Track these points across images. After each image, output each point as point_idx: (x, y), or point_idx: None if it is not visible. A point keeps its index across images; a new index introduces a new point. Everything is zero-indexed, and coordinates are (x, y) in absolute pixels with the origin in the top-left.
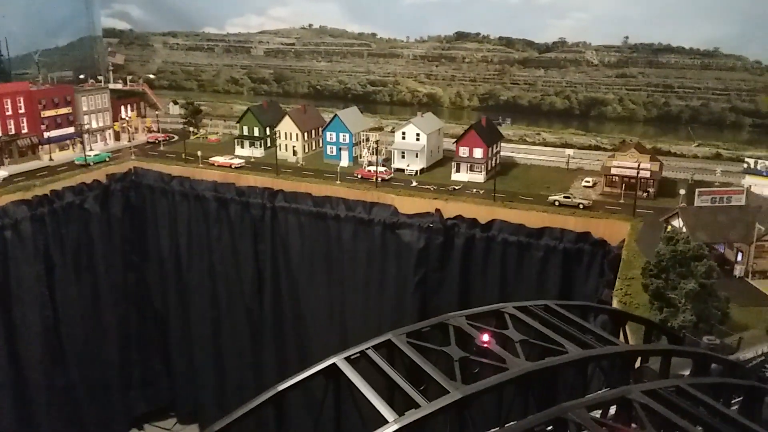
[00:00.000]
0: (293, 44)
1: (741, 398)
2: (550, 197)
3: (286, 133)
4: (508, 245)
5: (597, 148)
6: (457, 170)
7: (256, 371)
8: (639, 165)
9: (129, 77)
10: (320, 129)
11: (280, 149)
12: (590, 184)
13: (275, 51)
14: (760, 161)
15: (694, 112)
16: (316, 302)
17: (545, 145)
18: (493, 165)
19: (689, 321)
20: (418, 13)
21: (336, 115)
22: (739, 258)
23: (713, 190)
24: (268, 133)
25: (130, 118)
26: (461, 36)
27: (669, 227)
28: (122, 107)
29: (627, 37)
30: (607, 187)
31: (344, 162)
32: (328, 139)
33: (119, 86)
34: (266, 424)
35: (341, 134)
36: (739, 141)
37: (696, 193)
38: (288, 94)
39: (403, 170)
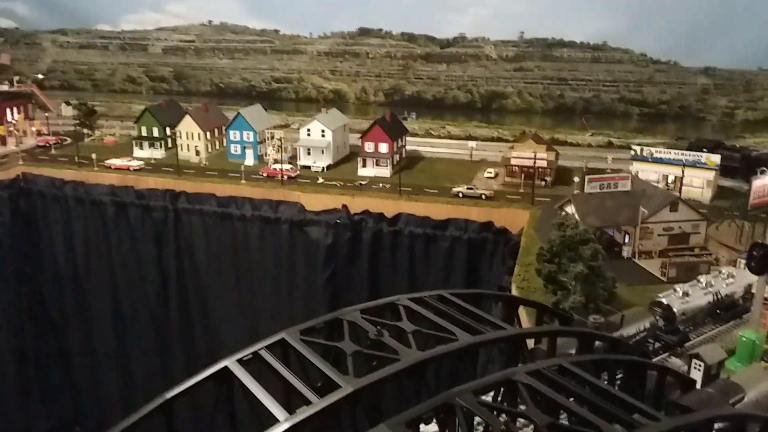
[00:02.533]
0: (193, 41)
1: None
2: (453, 189)
3: (187, 133)
4: (414, 238)
5: (499, 139)
6: (364, 165)
7: (165, 378)
8: (536, 155)
9: (16, 78)
10: (223, 128)
11: (181, 149)
12: (492, 175)
13: (174, 48)
14: (645, 148)
15: (587, 104)
16: (224, 304)
17: (450, 138)
18: (399, 159)
19: (579, 302)
20: (321, 9)
21: (239, 113)
22: (627, 240)
23: (602, 177)
24: (168, 133)
25: (16, 121)
26: (364, 32)
27: (563, 214)
28: (8, 110)
29: (523, 32)
30: (508, 177)
31: (249, 161)
32: (232, 137)
33: (5, 87)
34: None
35: (245, 132)
36: (629, 130)
37: (585, 180)
38: (189, 93)
39: (309, 167)
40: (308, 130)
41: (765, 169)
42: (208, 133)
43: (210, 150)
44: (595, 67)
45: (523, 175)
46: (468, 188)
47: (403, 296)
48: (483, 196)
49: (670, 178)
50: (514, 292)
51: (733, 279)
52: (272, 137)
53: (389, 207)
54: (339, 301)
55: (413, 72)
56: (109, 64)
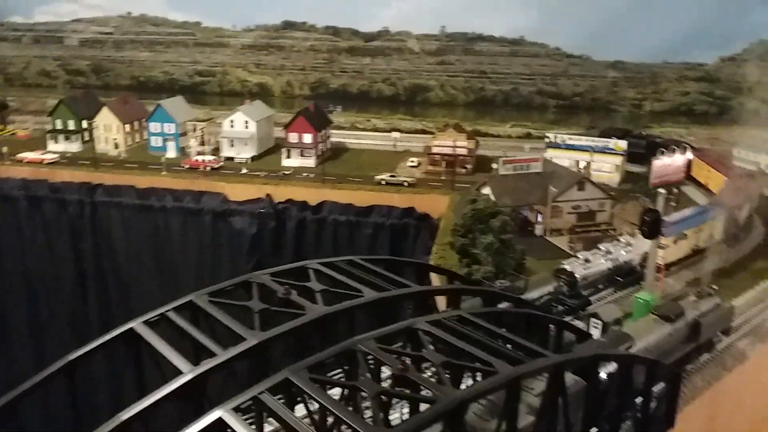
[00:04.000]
0: (111, 33)
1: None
2: (377, 177)
3: (105, 125)
4: (338, 225)
5: (423, 131)
6: (288, 156)
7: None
8: (455, 143)
9: None
10: (144, 120)
11: (99, 142)
12: (415, 164)
13: (92, 41)
14: (558, 136)
15: (507, 96)
16: (147, 298)
17: (376, 131)
18: (324, 150)
19: (489, 272)
20: (244, 2)
21: (159, 104)
22: (539, 219)
23: (514, 159)
24: (85, 126)
25: None
26: (289, 25)
27: (481, 196)
28: None
29: (444, 27)
30: (430, 165)
31: (171, 153)
32: (153, 130)
33: None
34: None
35: (166, 125)
36: (546, 121)
37: (500, 162)
38: (109, 87)
39: (233, 159)
40: (231, 121)
41: (664, 150)
42: (127, 126)
43: (130, 143)
44: (514, 60)
45: (444, 163)
46: (391, 176)
47: (313, 261)
48: (405, 184)
49: (582, 164)
50: None
51: (631, 247)
52: (194, 129)
53: (313, 195)
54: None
55: (338, 65)
56: (22, 58)
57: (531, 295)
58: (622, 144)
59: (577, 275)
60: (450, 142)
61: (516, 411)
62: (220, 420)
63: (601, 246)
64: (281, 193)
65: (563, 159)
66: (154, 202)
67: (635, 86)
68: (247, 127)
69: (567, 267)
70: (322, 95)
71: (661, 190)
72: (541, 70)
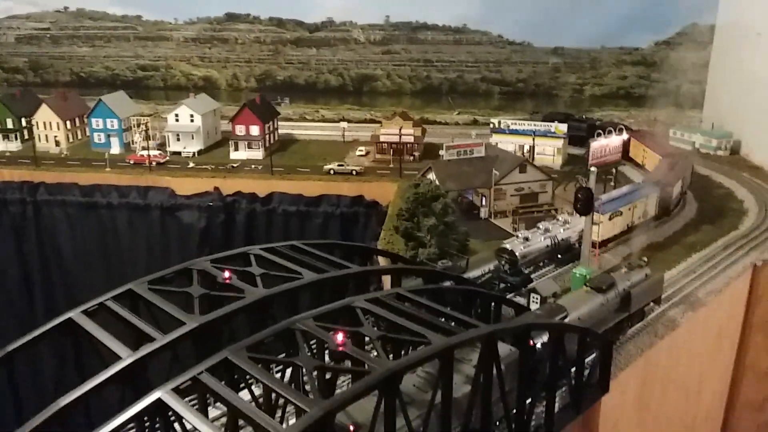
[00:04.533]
0: (48, 29)
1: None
2: (325, 167)
3: (45, 123)
4: (289, 215)
5: (372, 121)
6: (236, 149)
7: None
8: (401, 131)
9: None
10: (85, 117)
11: (39, 140)
12: (363, 153)
13: (28, 37)
14: (503, 121)
15: (452, 84)
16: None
17: (325, 121)
18: (272, 141)
19: (433, 254)
20: None
21: (100, 99)
22: (484, 202)
23: (458, 144)
24: (24, 124)
25: None
26: (232, 17)
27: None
28: None
29: (388, 16)
30: (378, 154)
31: (115, 149)
32: (95, 126)
33: None
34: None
35: (108, 120)
36: (492, 107)
37: (444, 147)
38: (48, 84)
39: (180, 153)
40: (176, 115)
41: (601, 132)
42: (68, 123)
43: (72, 140)
44: (458, 48)
45: (392, 151)
46: (339, 165)
47: (255, 246)
48: (354, 172)
49: (526, 148)
50: None
51: (569, 225)
52: (138, 124)
53: (262, 187)
54: None
55: (284, 57)
56: None
57: (473, 273)
58: (563, 128)
59: (516, 253)
60: (397, 131)
61: (450, 381)
62: (159, 401)
63: (540, 225)
64: (229, 185)
65: (508, 144)
66: (99, 198)
67: (576, 71)
68: (192, 120)
69: (508, 246)
70: (269, 87)
71: (593, 169)
72: (484, 57)
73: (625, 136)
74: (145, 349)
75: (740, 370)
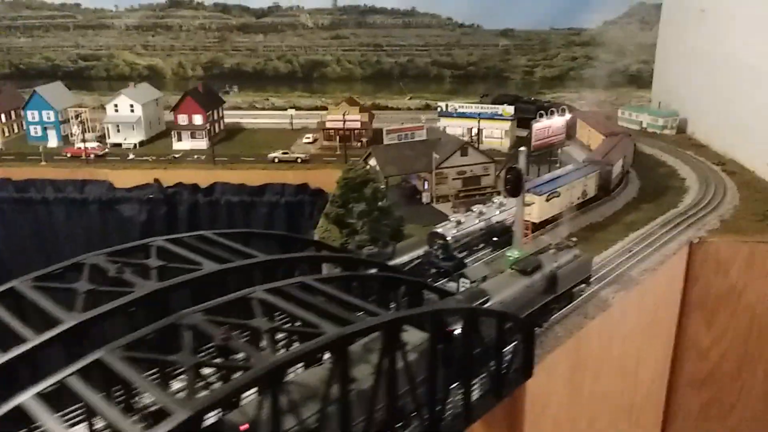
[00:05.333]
0: None
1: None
2: (269, 155)
3: None
4: (232, 206)
5: (323, 108)
6: (179, 139)
7: None
8: (344, 116)
9: None
10: (21, 109)
11: None
12: (311, 141)
13: None
14: (449, 104)
15: (403, 68)
16: None
17: (275, 109)
18: (218, 130)
19: (364, 240)
20: None
21: (35, 91)
22: (426, 186)
23: (398, 128)
24: None
25: None
26: (175, 3)
27: (366, 167)
28: None
29: (336, 0)
30: (326, 141)
31: (53, 142)
32: (30, 118)
33: None
34: None
35: (44, 112)
36: (443, 91)
37: (384, 132)
38: None
39: (120, 145)
40: (115, 105)
41: (543, 113)
42: (2, 116)
43: (7, 133)
44: (407, 32)
45: (338, 138)
46: (284, 153)
47: (158, 238)
48: (299, 160)
49: (474, 131)
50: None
51: (504, 207)
52: (77, 116)
53: (204, 177)
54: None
55: (230, 44)
56: None
57: (401, 259)
58: (510, 110)
59: (447, 238)
60: (343, 117)
61: (346, 373)
62: (17, 408)
63: (473, 208)
64: (170, 177)
65: (456, 127)
66: (33, 194)
67: (526, 53)
68: (132, 110)
69: (440, 230)
70: (217, 75)
71: (522, 149)
72: (434, 40)
73: (567, 116)
74: (16, 351)
75: (680, 349)
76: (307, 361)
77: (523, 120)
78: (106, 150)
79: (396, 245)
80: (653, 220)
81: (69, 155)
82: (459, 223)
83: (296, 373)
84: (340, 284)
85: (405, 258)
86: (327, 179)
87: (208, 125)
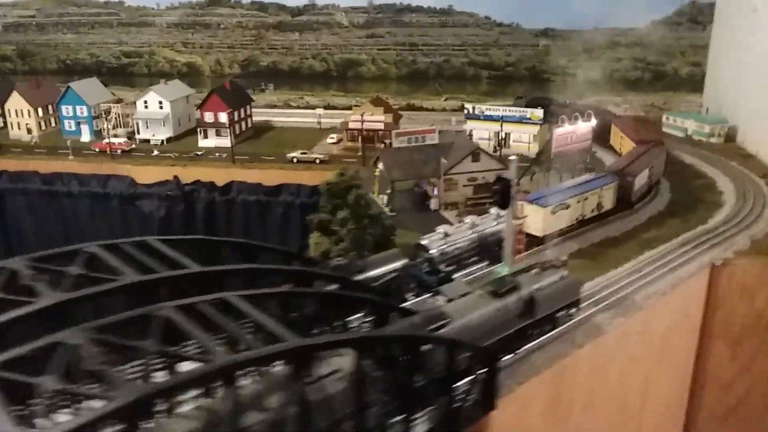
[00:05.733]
0: (34, 16)
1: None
2: (288, 155)
3: (17, 111)
4: (248, 205)
5: (357, 107)
6: (205, 136)
7: None
8: (363, 117)
9: None
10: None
11: (12, 128)
12: (335, 141)
13: (15, 25)
14: (477, 106)
15: (439, 68)
16: None
17: (309, 108)
18: (244, 128)
19: (345, 249)
20: None
21: (69, 86)
22: (435, 192)
23: (409, 131)
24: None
25: None
26: (213, 1)
27: (376, 170)
28: None
29: None
30: (349, 141)
31: (86, 136)
32: (65, 113)
33: None
34: None
35: (78, 107)
36: (480, 93)
37: (393, 135)
38: (36, 71)
39: (149, 141)
40: (145, 102)
41: (564, 118)
42: (40, 110)
43: (45, 127)
44: (444, 31)
45: (362, 139)
46: (302, 153)
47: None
48: (317, 161)
49: (502, 135)
50: (312, 247)
51: (501, 218)
52: (110, 111)
53: (222, 175)
54: None
55: (267, 42)
56: None
57: (375, 272)
58: (539, 113)
59: (432, 251)
60: (368, 117)
61: (234, 405)
62: None
63: (466, 219)
64: (189, 174)
65: (482, 130)
66: (59, 187)
67: (567, 54)
68: (161, 107)
69: (425, 242)
70: (253, 73)
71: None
72: (472, 40)
73: (593, 121)
74: None
75: (700, 381)
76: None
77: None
78: (133, 146)
79: (369, 257)
80: (675, 238)
81: (97, 150)
82: (446, 235)
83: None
84: (279, 301)
85: (378, 271)
86: None
87: (233, 123)
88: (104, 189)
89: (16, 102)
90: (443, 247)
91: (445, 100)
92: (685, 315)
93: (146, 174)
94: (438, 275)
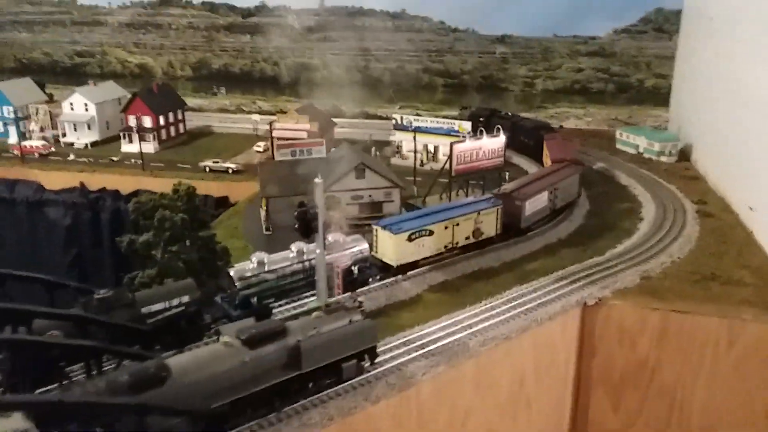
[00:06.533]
0: None
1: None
2: (201, 164)
3: None
4: None
5: (282, 114)
6: (130, 141)
7: None
8: (270, 125)
9: None
10: None
11: None
12: (261, 149)
13: None
14: (405, 116)
15: (393, 75)
16: None
17: (261, 113)
18: (174, 134)
19: (149, 275)
20: None
21: None
22: None
23: (293, 143)
24: None
25: None
26: (165, 1)
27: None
28: None
29: (323, 0)
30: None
31: (12, 138)
32: None
33: None
34: None
35: (5, 108)
36: (435, 102)
37: (275, 147)
38: None
39: (73, 144)
40: (71, 104)
41: (469, 134)
42: None
43: None
44: (397, 36)
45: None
46: (214, 162)
47: None
48: (230, 170)
49: (430, 148)
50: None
51: (348, 245)
52: (36, 113)
53: (128, 183)
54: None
55: (218, 44)
56: None
57: (155, 307)
58: (466, 126)
59: (236, 281)
60: (290, 125)
61: None
62: None
63: (292, 246)
64: (97, 181)
65: (411, 143)
66: None
67: (526, 63)
68: (86, 109)
69: (232, 272)
70: (205, 76)
71: (318, 180)
72: (426, 45)
73: (503, 137)
74: None
75: (581, 430)
76: None
77: None
78: (52, 149)
79: (138, 288)
80: (559, 270)
81: (16, 153)
82: (260, 263)
83: None
84: None
85: (158, 306)
86: (249, 192)
87: (159, 128)
88: (11, 194)
89: None
90: (253, 277)
91: (400, 108)
92: (550, 360)
93: (53, 179)
94: (248, 308)
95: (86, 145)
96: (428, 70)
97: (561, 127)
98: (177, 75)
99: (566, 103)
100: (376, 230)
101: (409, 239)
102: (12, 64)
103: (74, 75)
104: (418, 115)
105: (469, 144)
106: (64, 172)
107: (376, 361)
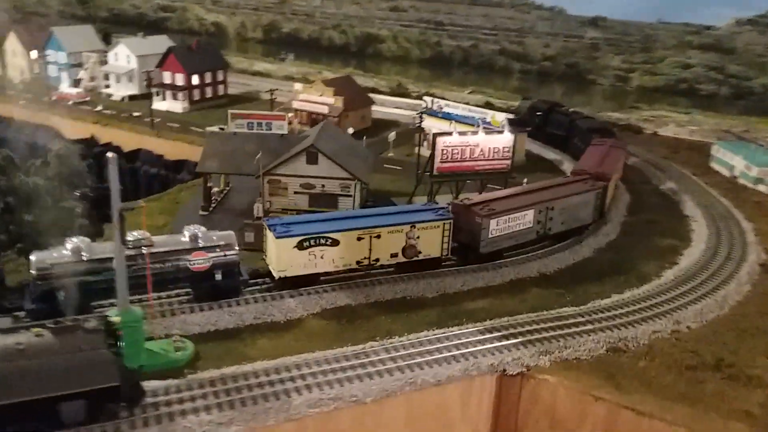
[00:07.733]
0: None
1: None
2: (207, 128)
3: (12, 51)
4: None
5: (374, 90)
6: (164, 98)
7: None
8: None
9: None
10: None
11: (7, 69)
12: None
13: None
14: (435, 101)
15: (466, 54)
16: None
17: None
18: (212, 95)
19: None
20: None
21: (52, 31)
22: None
23: (250, 114)
24: None
25: None
26: None
27: None
28: None
29: None
30: (299, 122)
31: (64, 84)
32: (49, 59)
33: None
34: None
35: (59, 54)
36: (510, 89)
37: (229, 115)
38: (90, 19)
39: (111, 95)
40: (116, 53)
41: (455, 131)
42: (34, 53)
43: (38, 71)
44: (473, 10)
45: (310, 122)
46: (220, 128)
47: None
48: None
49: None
50: None
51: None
52: (88, 60)
53: (133, 141)
54: None
55: (289, 6)
56: None
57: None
58: (500, 118)
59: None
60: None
61: None
62: None
63: (70, 240)
64: (107, 134)
65: (443, 128)
66: None
67: (621, 52)
68: (128, 62)
69: (33, 258)
70: (274, 40)
71: (110, 153)
72: (504, 23)
73: (508, 136)
74: None
75: None
76: None
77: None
78: (87, 98)
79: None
80: (505, 317)
81: (54, 98)
82: (77, 251)
83: None
84: None
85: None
86: None
87: (192, 87)
88: (31, 139)
89: (11, 44)
90: (63, 267)
91: (470, 92)
92: None
93: (72, 129)
94: (47, 302)
95: (123, 98)
96: (505, 52)
97: (655, 133)
98: (248, 36)
99: (666, 105)
100: (265, 229)
101: (300, 247)
102: (104, 13)
103: (157, 29)
104: (488, 103)
105: (458, 139)
106: (80, 122)
107: (142, 404)
